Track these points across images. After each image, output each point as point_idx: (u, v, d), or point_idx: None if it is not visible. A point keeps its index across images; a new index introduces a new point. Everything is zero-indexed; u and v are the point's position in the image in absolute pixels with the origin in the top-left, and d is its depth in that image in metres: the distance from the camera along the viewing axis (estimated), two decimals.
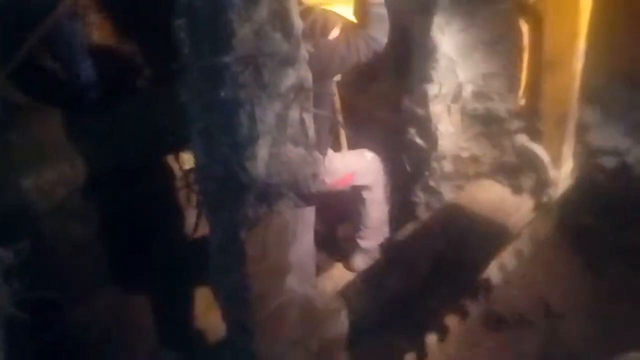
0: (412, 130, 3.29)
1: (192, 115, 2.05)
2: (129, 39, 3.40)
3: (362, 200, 3.16)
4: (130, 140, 3.04)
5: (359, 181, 3.01)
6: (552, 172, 2.26)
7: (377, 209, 3.23)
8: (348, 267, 3.35)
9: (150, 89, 3.42)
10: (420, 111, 3.17)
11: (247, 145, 1.98)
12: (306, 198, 2.38)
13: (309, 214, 2.73)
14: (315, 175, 2.21)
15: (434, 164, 3.31)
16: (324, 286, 3.16)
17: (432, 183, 3.41)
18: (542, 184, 2.30)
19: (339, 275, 3.33)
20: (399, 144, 3.45)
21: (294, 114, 2.01)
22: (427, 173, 3.37)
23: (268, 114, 1.95)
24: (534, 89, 2.15)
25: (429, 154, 3.29)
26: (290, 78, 1.94)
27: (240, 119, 1.94)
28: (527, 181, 2.35)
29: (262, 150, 2.00)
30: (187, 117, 2.08)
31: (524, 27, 2.07)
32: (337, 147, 3.02)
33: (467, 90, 3.09)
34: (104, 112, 3.09)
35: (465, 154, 3.33)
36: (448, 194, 3.45)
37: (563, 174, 2.29)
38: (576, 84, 2.09)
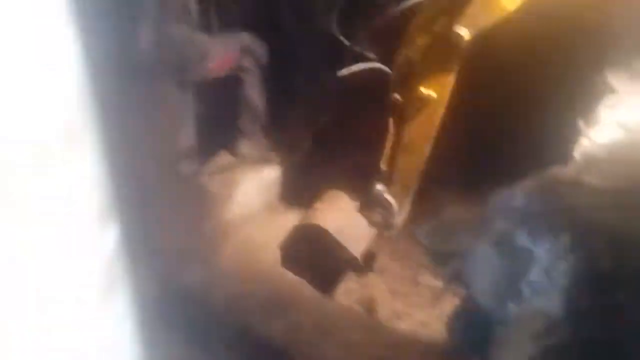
0: (285, 9, 3.26)
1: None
2: None
3: (242, 84, 3.13)
4: None
5: (238, 63, 2.96)
6: (397, 217, 2.87)
7: (257, 93, 3.23)
8: (233, 153, 3.36)
9: None
10: None
11: (127, 27, 1.89)
12: (191, 79, 2.34)
13: (193, 99, 2.68)
14: (200, 55, 2.17)
15: (310, 44, 3.33)
16: (212, 174, 3.16)
17: (309, 64, 3.43)
18: (388, 223, 2.91)
19: (225, 163, 3.34)
20: (272, 24, 3.40)
21: None
22: (304, 53, 3.38)
23: None
24: (392, 162, 2.75)
25: (304, 33, 3.30)
26: None
27: None
28: (377, 217, 2.92)
29: (144, 32, 1.92)
30: None
31: (390, 120, 2.65)
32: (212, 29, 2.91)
33: None
34: None
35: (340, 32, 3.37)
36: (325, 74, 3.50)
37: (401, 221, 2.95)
38: (422, 163, 2.72)
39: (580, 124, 1.90)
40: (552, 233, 1.43)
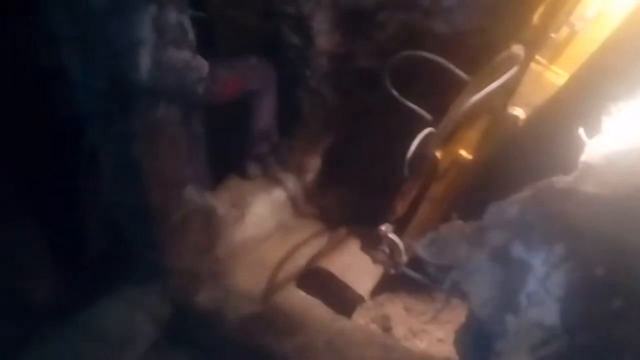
0: (286, 31, 3.30)
1: (63, 28, 1.96)
2: None
3: (250, 107, 3.17)
4: None
5: (245, 86, 3.00)
6: (403, 257, 3.00)
7: (266, 115, 3.25)
8: (243, 175, 3.38)
9: None
10: (292, 10, 3.18)
11: (127, 54, 1.93)
12: (194, 104, 2.37)
13: (198, 124, 2.72)
14: (201, 79, 2.20)
15: (313, 63, 3.36)
16: (222, 196, 3.19)
17: (313, 84, 3.47)
18: (394, 262, 3.06)
19: (235, 185, 3.37)
20: (273, 49, 3.45)
21: (171, 16, 1.98)
22: (307, 73, 3.41)
23: (144, 19, 1.91)
24: (412, 208, 2.89)
25: (307, 52, 3.32)
26: None
27: (116, 26, 1.88)
28: (381, 255, 3.07)
29: (144, 58, 1.96)
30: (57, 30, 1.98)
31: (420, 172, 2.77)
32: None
33: None
34: None
35: (341, 51, 3.42)
36: (329, 93, 3.54)
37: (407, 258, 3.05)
38: (443, 212, 2.79)
39: (582, 133, 1.89)
40: (546, 243, 1.42)
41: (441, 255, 1.65)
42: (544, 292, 1.39)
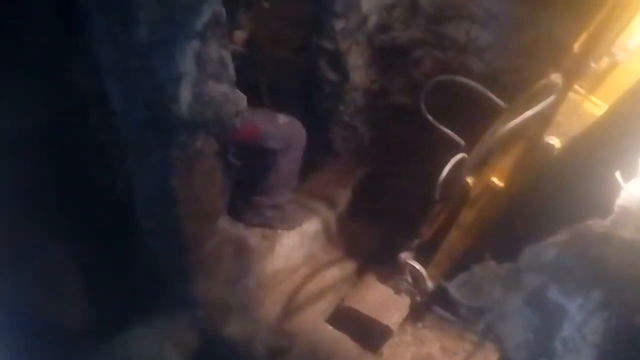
0: (323, 66, 3.35)
1: (106, 60, 2.01)
2: None
3: (265, 163, 3.02)
4: None
5: (263, 143, 2.90)
6: (428, 283, 3.01)
7: (281, 174, 3.07)
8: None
9: None
10: (329, 46, 3.23)
11: (169, 87, 1.98)
12: (228, 135, 2.38)
13: (233, 156, 2.75)
14: (239, 113, 2.23)
15: (348, 98, 3.39)
16: (253, 228, 3.19)
17: (347, 118, 3.50)
18: (419, 289, 3.07)
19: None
20: (309, 82, 3.50)
21: (212, 51, 2.02)
22: (341, 108, 3.45)
23: (187, 53, 1.95)
24: (439, 238, 2.89)
25: (342, 88, 3.37)
26: (205, 15, 1.94)
27: (159, 60, 1.93)
28: (404, 284, 3.09)
29: (185, 91, 2.00)
30: (100, 61, 2.04)
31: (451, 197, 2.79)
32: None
33: (372, 22, 3.18)
34: None
35: (375, 87, 3.45)
36: (362, 127, 3.57)
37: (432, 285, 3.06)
38: (472, 240, 2.80)
39: (618, 177, 1.87)
40: (583, 288, 1.40)
41: (475, 297, 1.63)
42: (580, 338, 1.37)
